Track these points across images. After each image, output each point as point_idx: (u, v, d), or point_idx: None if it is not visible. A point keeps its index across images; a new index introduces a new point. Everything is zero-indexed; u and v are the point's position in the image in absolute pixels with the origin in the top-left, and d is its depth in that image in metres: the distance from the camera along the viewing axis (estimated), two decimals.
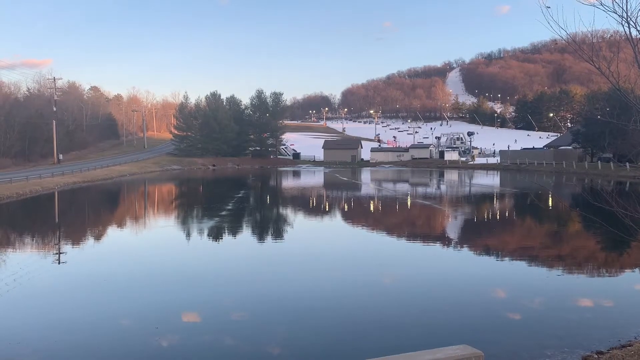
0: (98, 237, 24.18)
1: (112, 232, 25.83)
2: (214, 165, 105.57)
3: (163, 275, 15.95)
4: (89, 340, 10.36)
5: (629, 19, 6.01)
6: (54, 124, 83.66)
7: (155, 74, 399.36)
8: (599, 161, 73.58)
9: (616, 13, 6.06)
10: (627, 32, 6.10)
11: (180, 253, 19.65)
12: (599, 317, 11.56)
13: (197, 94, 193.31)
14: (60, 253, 19.74)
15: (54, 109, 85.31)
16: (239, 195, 46.86)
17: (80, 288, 14.49)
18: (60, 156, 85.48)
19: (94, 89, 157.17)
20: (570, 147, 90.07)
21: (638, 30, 6.07)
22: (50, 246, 21.94)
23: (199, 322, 11.32)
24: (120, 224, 28.97)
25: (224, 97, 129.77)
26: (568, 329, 10.66)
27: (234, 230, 25.35)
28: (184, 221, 29.88)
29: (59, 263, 17.84)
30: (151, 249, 20.94)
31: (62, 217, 33.24)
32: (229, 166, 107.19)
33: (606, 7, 6.09)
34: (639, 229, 7.15)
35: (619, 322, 10.95)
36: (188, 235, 24.23)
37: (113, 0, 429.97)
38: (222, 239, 23.23)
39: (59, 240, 23.34)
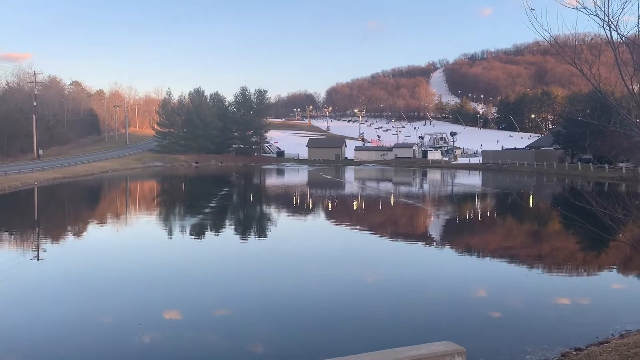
0: (78, 234, 23.89)
1: (93, 230, 25.54)
2: (196, 162, 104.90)
3: (145, 272, 15.84)
4: (70, 337, 10.26)
5: (610, 23, 6.14)
6: (34, 118, 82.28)
7: (138, 70, 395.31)
8: (579, 162, 74.77)
9: (598, 16, 6.19)
10: (608, 36, 6.23)
11: (162, 251, 19.51)
12: (578, 315, 11.78)
13: (180, 91, 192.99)
14: (39, 250, 19.46)
15: (34, 103, 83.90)
16: (222, 192, 46.65)
17: (60, 285, 14.31)
18: (40, 151, 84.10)
19: (76, 83, 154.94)
20: (551, 148, 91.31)
21: (619, 34, 6.21)
22: (29, 243, 21.62)
23: (181, 319, 11.27)
24: (102, 221, 28.65)
25: (207, 93, 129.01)
26: (548, 326, 10.84)
27: (217, 228, 25.25)
28: (166, 219, 29.66)
29: (38, 260, 17.59)
30: (132, 246, 20.75)
31: (41, 213, 32.76)
32: (212, 163, 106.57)
33: (588, 11, 6.21)
34: (618, 228, 7.31)
35: (597, 320, 11.17)
36: (170, 233, 24.07)
37: None
38: (204, 236, 23.11)
39: (39, 237, 23.00)
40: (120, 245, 21.04)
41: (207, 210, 31.78)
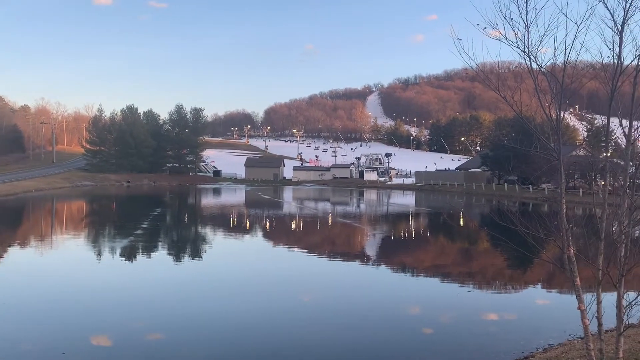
0: None
1: (14, 253, 23.94)
2: (128, 182, 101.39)
3: (71, 297, 14.99)
4: None
5: (530, 54, 6.57)
6: None
7: (68, 85, 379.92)
8: (506, 183, 78.57)
9: (519, 48, 6.60)
10: (529, 65, 6.65)
11: (89, 274, 18.56)
12: (506, 331, 12.25)
13: (112, 108, 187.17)
14: None
15: None
16: (155, 213, 45.24)
17: None
18: None
19: None
20: (479, 170, 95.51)
21: (537, 64, 6.64)
22: None
23: (110, 346, 10.73)
24: (24, 244, 26.94)
25: (141, 111, 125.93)
26: (478, 342, 11.20)
27: (149, 250, 24.39)
28: (95, 241, 28.34)
29: None
30: (57, 270, 19.61)
31: None
32: (145, 183, 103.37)
33: (510, 42, 6.63)
34: (540, 247, 7.71)
35: (523, 335, 11.65)
36: (99, 255, 22.99)
37: (22, 5, 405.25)
38: (135, 259, 22.24)
39: None
40: (44, 269, 19.83)
41: (138, 232, 30.68)
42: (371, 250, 26.21)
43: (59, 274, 18.69)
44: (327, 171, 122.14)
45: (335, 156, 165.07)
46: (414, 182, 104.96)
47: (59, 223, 37.91)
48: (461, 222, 40.00)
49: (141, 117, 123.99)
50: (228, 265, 21.10)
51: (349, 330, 12.11)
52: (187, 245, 27.38)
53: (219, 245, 27.19)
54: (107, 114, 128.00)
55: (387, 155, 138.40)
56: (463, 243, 30.25)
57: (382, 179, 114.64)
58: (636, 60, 6.31)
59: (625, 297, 6.44)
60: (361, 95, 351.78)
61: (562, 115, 6.69)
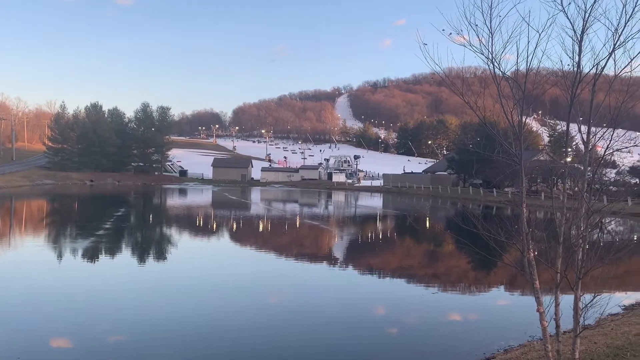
0: None
1: None
2: (91, 181, 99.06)
3: (29, 300, 14.49)
4: None
5: (493, 60, 6.68)
6: None
7: (29, 81, 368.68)
8: (471, 186, 80.00)
9: (483, 54, 6.71)
10: (492, 71, 6.77)
11: (49, 276, 18.01)
12: (469, 332, 12.43)
13: (76, 105, 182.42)
14: None
15: None
16: (119, 213, 44.28)
17: None
18: None
19: None
20: (445, 173, 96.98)
21: (501, 70, 6.76)
22: None
23: (70, 348, 10.42)
24: None
25: (105, 108, 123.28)
26: (442, 343, 11.34)
27: (112, 252, 23.84)
28: (55, 241, 27.53)
29: None
30: (15, 272, 18.95)
31: None
32: (109, 182, 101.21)
33: (474, 48, 6.73)
34: (502, 251, 7.84)
35: (485, 336, 11.86)
36: (59, 256, 22.33)
37: None
38: (97, 260, 21.70)
39: None
40: (0, 270, 19.14)
41: (100, 232, 29.95)
42: (338, 252, 26.26)
43: (16, 276, 18.05)
44: (295, 172, 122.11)
45: (304, 158, 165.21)
46: (382, 184, 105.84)
47: (18, 223, 36.68)
48: (427, 225, 40.51)
49: (106, 115, 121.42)
50: (193, 267, 20.77)
51: (313, 332, 12.08)
52: (151, 247, 26.87)
53: (184, 247, 26.78)
54: (70, 111, 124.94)
55: (356, 157, 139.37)
56: (428, 245, 30.63)
57: (350, 181, 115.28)
58: (594, 69, 6.49)
59: (581, 300, 6.61)
60: (330, 97, 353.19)
61: (524, 120, 6.82)
